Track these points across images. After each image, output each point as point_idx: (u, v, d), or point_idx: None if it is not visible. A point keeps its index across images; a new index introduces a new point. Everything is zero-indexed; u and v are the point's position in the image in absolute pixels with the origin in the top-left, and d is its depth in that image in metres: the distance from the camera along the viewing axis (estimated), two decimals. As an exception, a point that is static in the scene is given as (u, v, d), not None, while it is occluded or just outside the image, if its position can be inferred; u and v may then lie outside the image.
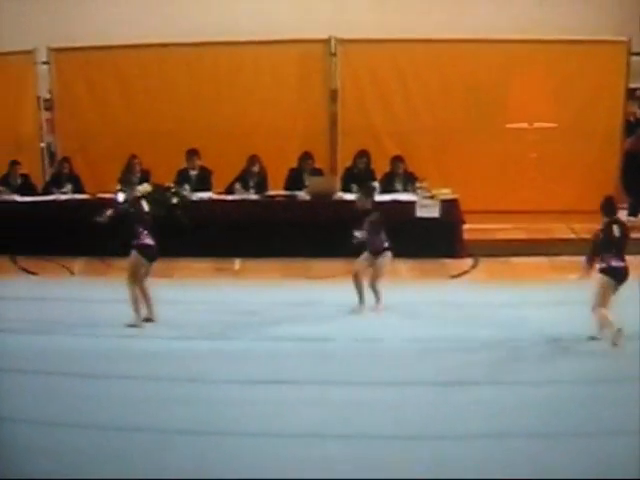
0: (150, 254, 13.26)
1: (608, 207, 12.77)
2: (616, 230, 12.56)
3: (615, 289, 12.35)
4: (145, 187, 16.86)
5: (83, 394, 10.42)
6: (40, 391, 10.51)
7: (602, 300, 12.29)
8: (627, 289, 12.55)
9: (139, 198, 13.59)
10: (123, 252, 14.32)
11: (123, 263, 14.91)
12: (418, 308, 13.98)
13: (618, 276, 12.34)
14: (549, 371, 11.47)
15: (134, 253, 13.19)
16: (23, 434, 9.26)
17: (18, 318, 13.17)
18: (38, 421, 9.64)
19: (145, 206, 13.51)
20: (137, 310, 13.05)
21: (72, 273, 16.18)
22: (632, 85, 18.76)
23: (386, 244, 13.65)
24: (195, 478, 8.36)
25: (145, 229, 13.25)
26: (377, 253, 13.60)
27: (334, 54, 18.46)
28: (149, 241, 13.24)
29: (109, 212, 13.45)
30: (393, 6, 20.79)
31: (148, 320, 13.16)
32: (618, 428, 9.33)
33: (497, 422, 9.68)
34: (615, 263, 12.35)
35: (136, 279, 13.17)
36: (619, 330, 12.03)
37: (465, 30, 18.70)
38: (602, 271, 12.36)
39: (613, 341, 12.09)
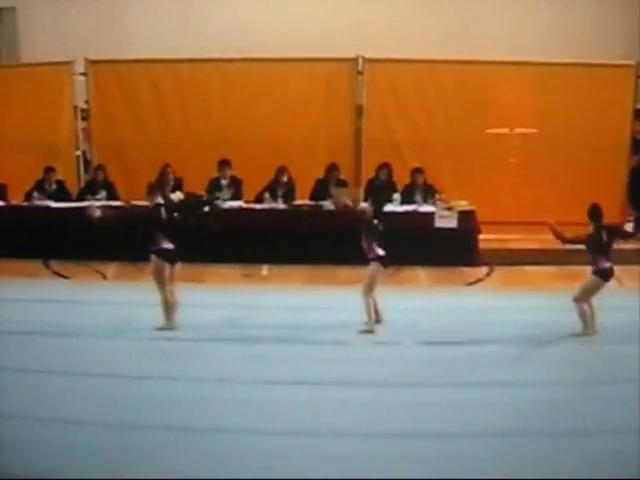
0: (169, 257, 13.32)
1: (595, 214, 13.46)
2: (604, 235, 13.16)
3: (602, 287, 13.13)
4: (178, 195, 17.22)
5: (111, 394, 10.63)
6: (66, 391, 10.70)
7: (587, 296, 13.15)
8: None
9: (158, 205, 13.60)
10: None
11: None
12: (436, 313, 14.18)
13: (607, 276, 13.23)
14: (558, 372, 11.82)
15: (154, 258, 13.26)
16: (54, 433, 9.46)
17: (47, 321, 13.30)
18: (68, 420, 9.80)
19: (163, 213, 13.51)
20: (167, 313, 13.16)
21: (105, 277, 16.28)
22: (639, 106, 18.91)
23: (374, 254, 13.41)
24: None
25: (163, 234, 13.32)
26: (367, 262, 13.45)
27: (360, 72, 18.61)
28: (168, 245, 13.32)
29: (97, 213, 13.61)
30: (416, 29, 21.20)
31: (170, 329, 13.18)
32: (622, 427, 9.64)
33: (509, 421, 9.97)
34: (604, 265, 13.08)
35: (163, 282, 13.21)
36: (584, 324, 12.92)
37: (484, 52, 19.01)
38: (595, 273, 13.11)
39: (587, 332, 12.97)
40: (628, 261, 17.07)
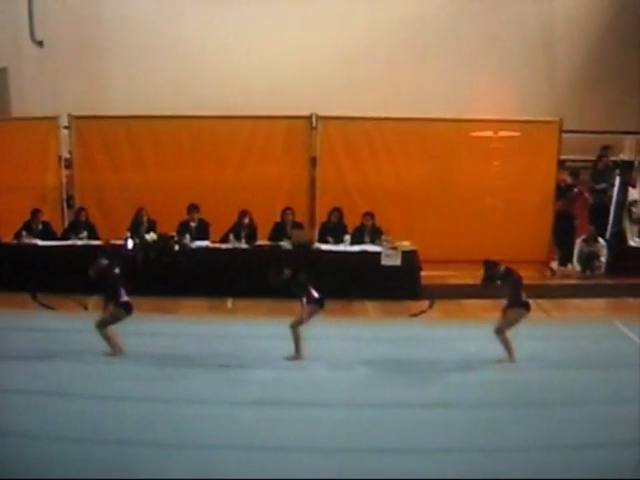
0: (130, 309, 13.27)
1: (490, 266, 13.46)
2: (518, 280, 13.26)
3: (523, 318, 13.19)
4: (152, 236, 17.37)
5: (96, 413, 10.72)
6: (55, 410, 10.78)
7: (509, 327, 13.11)
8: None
9: (114, 264, 13.46)
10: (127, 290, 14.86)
11: (132, 300, 15.15)
12: (382, 341, 14.26)
13: (529, 307, 13.22)
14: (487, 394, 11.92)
15: (119, 309, 13.17)
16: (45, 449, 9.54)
17: (34, 347, 13.30)
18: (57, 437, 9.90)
19: (117, 270, 13.35)
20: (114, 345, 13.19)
21: (86, 308, 16.06)
22: (563, 157, 19.18)
23: (313, 297, 13.30)
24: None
25: (122, 288, 13.24)
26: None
27: (315, 128, 18.87)
28: (127, 298, 13.25)
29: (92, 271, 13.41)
30: (365, 90, 21.47)
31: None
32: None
33: (451, 439, 10.10)
34: (525, 298, 13.13)
35: (108, 325, 13.20)
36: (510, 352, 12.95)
37: (425, 110, 19.21)
38: (519, 305, 13.17)
39: (510, 359, 12.97)
40: (554, 295, 17.28)
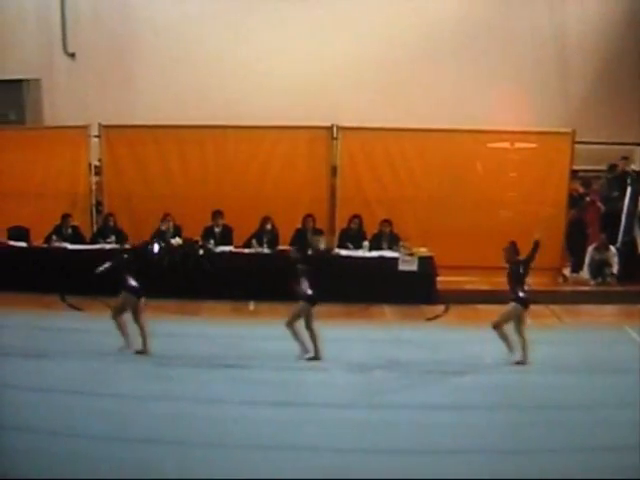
0: (137, 293, 13.50)
1: (514, 250, 13.46)
2: (521, 268, 13.16)
3: (518, 313, 13.14)
4: (177, 240, 17.33)
5: (116, 411, 10.79)
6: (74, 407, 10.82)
7: (505, 322, 13.18)
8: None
9: (125, 251, 14.09)
10: (153, 293, 14.78)
11: (157, 302, 15.24)
12: (400, 344, 14.23)
13: (525, 303, 13.20)
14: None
15: (126, 294, 13.51)
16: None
17: (58, 347, 13.46)
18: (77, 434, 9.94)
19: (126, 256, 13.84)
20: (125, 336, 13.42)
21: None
22: (575, 167, 19.03)
23: (304, 292, 13.39)
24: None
25: (130, 275, 13.47)
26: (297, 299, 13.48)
27: (335, 138, 18.74)
28: (134, 283, 13.46)
29: (106, 265, 13.68)
30: (384, 101, 21.41)
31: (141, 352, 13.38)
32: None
33: (465, 440, 10.05)
34: (521, 293, 12.88)
35: (121, 312, 13.50)
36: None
37: (442, 122, 19.00)
38: (514, 300, 13.07)
39: (510, 354, 13.05)
40: (566, 301, 17.16)
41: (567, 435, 10.32)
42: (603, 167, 20.03)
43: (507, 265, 13.55)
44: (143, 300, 13.63)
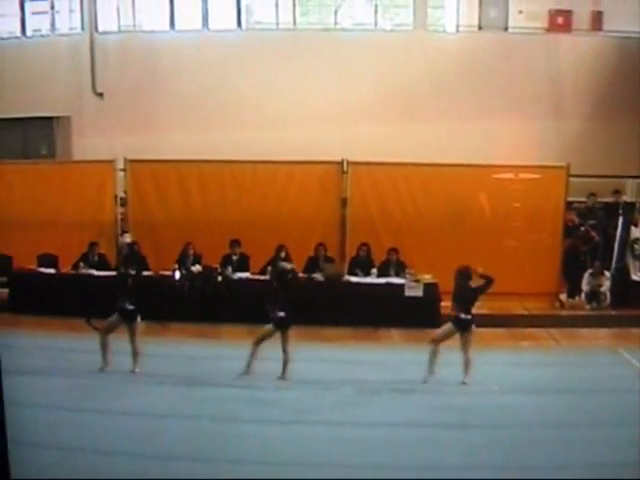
0: (125, 315, 13.32)
1: (466, 274, 13.27)
2: (469, 295, 13.06)
3: (455, 334, 13.04)
4: (197, 267, 17.24)
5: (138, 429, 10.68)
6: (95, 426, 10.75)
7: (441, 340, 13.13)
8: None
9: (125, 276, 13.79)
10: (174, 317, 14.82)
11: (178, 325, 15.13)
12: (405, 364, 14.04)
13: (461, 326, 13.05)
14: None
15: (114, 315, 13.38)
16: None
17: (82, 367, 13.38)
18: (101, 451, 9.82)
19: (129, 281, 13.66)
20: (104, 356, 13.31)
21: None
22: (570, 199, 18.87)
23: (276, 315, 13.24)
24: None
25: (125, 297, 13.34)
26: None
27: (346, 172, 18.61)
28: (128, 306, 13.29)
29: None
30: (391, 137, 21.47)
31: (132, 372, 13.22)
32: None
33: (468, 458, 9.97)
34: (461, 315, 12.85)
35: (109, 332, 13.39)
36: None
37: (444, 156, 19.06)
38: (453, 321, 13.12)
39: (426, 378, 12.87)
40: (563, 324, 17.01)
41: (564, 453, 10.21)
42: (602, 199, 19.89)
43: (455, 286, 13.39)
44: (139, 321, 13.45)
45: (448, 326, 13.23)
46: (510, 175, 18.65)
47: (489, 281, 13.24)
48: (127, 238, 16.90)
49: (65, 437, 10.30)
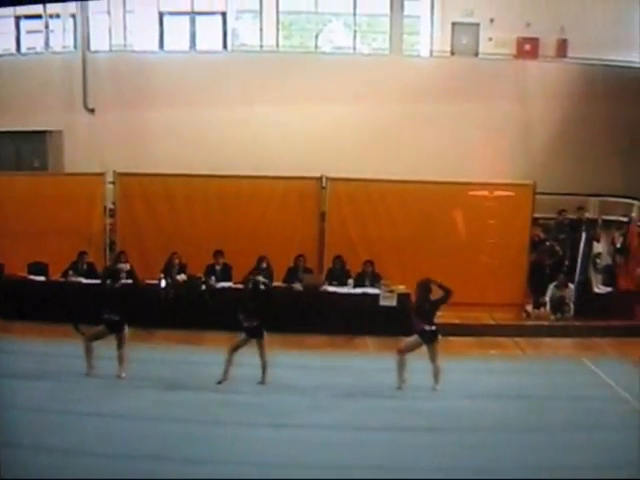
0: (110, 326, 13.27)
1: (426, 287, 13.29)
2: (427, 305, 13.06)
3: (421, 345, 13.05)
4: (182, 276, 17.15)
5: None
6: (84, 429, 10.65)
7: (408, 351, 13.16)
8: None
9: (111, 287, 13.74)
10: (160, 324, 14.83)
11: (163, 332, 15.02)
12: (380, 372, 13.94)
13: (426, 336, 13.06)
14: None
15: (99, 326, 13.34)
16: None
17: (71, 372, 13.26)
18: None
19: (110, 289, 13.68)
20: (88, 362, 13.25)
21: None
22: (536, 215, 18.89)
23: (249, 324, 13.20)
24: None
25: (110, 308, 13.27)
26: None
27: (324, 187, 18.56)
28: (110, 316, 13.22)
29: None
30: (367, 155, 21.56)
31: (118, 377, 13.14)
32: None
33: (441, 461, 9.89)
34: (423, 327, 12.86)
35: (94, 340, 13.36)
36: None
37: (419, 174, 18.99)
38: (418, 333, 13.09)
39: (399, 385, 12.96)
40: (529, 334, 17.00)
41: (529, 455, 10.24)
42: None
43: (416, 299, 13.43)
44: (126, 331, 13.34)
45: (414, 338, 13.19)
46: (480, 192, 18.66)
47: (447, 292, 13.26)
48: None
49: (53, 439, 10.19)
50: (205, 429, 10.93)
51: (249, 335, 13.22)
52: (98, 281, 16.75)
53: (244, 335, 13.22)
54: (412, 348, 13.20)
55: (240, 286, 15.14)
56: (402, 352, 13.16)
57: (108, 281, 14.19)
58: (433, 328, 13.15)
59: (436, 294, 13.38)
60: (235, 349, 13.23)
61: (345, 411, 12.06)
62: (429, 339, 13.11)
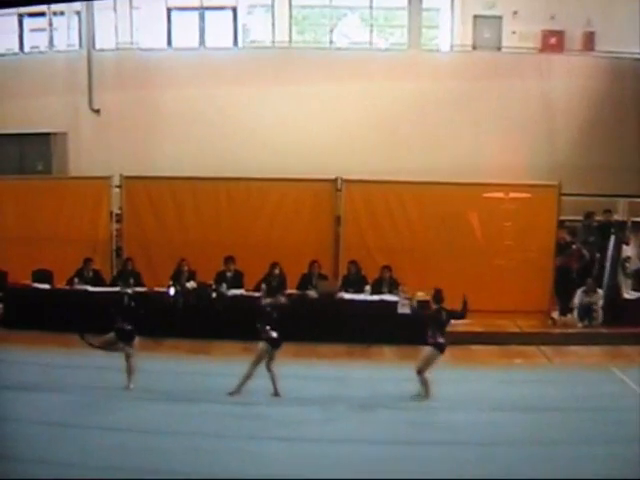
0: (123, 336, 13.32)
1: (438, 297, 13.38)
2: (443, 315, 12.98)
3: (438, 357, 13.05)
4: (192, 284, 17.21)
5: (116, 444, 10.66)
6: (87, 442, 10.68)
7: (426, 366, 13.02)
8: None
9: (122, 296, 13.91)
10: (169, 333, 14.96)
11: (173, 342, 15.09)
12: (397, 382, 13.98)
13: (442, 349, 13.02)
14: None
15: (111, 334, 13.38)
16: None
17: (77, 383, 13.32)
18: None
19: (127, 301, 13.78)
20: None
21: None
22: (562, 217, 18.91)
23: (269, 335, 13.17)
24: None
25: (123, 318, 13.37)
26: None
27: (339, 190, 18.65)
28: (122, 325, 13.32)
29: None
30: (384, 157, 21.53)
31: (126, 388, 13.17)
32: None
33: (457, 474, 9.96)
34: (440, 339, 12.84)
35: (104, 347, 13.49)
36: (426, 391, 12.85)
37: (440, 175, 19.05)
38: (432, 345, 12.93)
39: (423, 395, 12.91)
40: (555, 342, 16.99)
41: (555, 469, 10.21)
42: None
43: (431, 311, 13.54)
44: (136, 341, 13.43)
45: (431, 352, 13.17)
46: (503, 194, 18.68)
47: (464, 312, 13.41)
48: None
49: (57, 452, 10.27)
50: (214, 442, 10.98)
51: (273, 346, 13.18)
52: (105, 289, 17.02)
53: (266, 346, 13.17)
54: (431, 364, 13.19)
55: (258, 294, 15.30)
56: (422, 372, 13.15)
57: (120, 288, 14.35)
58: (444, 341, 13.20)
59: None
60: (259, 362, 13.18)
61: (360, 423, 12.09)
62: (442, 351, 13.17)
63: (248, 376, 13.04)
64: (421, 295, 17.06)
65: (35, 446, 10.33)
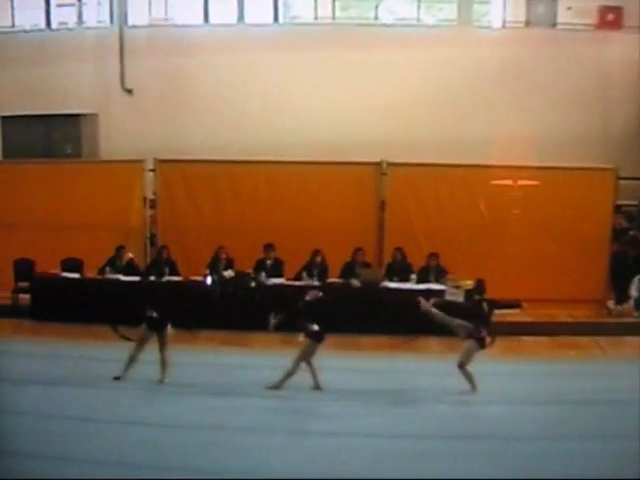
0: (152, 324, 13.31)
1: (480, 287, 13.46)
2: (485, 306, 12.97)
3: (478, 350, 13.02)
4: (229, 272, 17.30)
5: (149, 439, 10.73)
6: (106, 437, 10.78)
7: (468, 360, 13.03)
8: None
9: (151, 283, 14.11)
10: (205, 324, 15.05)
11: (209, 333, 15.15)
12: (443, 374, 13.86)
13: (483, 343, 13.01)
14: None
15: (143, 325, 13.36)
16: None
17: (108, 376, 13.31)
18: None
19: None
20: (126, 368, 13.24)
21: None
22: (619, 202, 18.81)
23: (311, 329, 13.12)
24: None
25: (152, 307, 13.39)
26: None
27: (384, 173, 18.63)
28: (151, 314, 13.32)
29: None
30: (429, 139, 21.67)
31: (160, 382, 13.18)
32: None
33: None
34: (482, 333, 12.79)
35: (143, 345, 13.35)
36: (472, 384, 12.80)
37: (490, 157, 19.07)
38: (475, 339, 12.95)
39: (473, 390, 12.91)
40: (610, 332, 16.95)
41: (618, 464, 10.13)
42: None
43: (472, 301, 13.55)
44: (169, 330, 13.43)
45: (472, 346, 13.19)
46: (557, 177, 18.61)
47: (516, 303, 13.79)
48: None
49: (87, 449, 10.29)
50: (253, 438, 10.95)
51: (316, 340, 13.19)
52: (139, 278, 17.17)
53: (308, 341, 13.15)
54: (472, 357, 13.22)
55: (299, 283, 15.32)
56: (464, 366, 13.16)
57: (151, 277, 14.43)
58: (486, 333, 13.21)
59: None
60: (304, 359, 13.11)
61: (402, 418, 11.98)
62: (484, 346, 13.19)
63: (291, 373, 12.99)
64: (470, 284, 17.11)
65: (64, 443, 10.31)
